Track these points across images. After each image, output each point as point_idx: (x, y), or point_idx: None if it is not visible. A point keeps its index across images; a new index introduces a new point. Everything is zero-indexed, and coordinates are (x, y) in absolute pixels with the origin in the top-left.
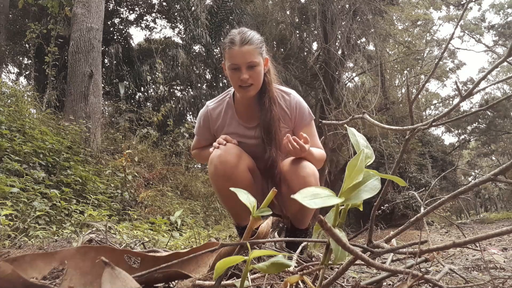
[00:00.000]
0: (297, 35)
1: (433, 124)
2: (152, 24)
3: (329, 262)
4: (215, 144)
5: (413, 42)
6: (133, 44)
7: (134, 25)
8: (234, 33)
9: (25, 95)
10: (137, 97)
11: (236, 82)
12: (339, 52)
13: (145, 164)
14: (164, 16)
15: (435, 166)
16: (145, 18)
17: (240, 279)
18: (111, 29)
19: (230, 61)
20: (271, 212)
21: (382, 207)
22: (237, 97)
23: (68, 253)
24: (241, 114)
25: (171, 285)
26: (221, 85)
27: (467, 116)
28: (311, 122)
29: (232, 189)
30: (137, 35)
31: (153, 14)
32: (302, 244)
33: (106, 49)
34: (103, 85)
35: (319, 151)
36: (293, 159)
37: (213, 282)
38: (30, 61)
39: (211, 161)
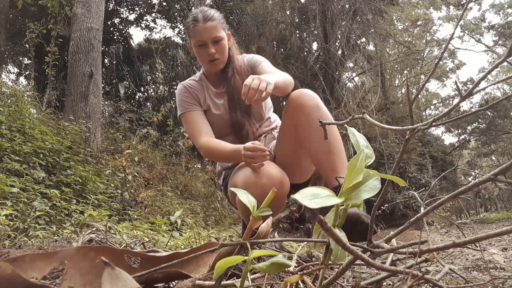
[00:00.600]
0: (297, 35)
1: (433, 124)
2: (152, 24)
3: (329, 262)
4: (254, 158)
5: (413, 42)
6: (133, 44)
7: (134, 25)
8: (195, 12)
9: (25, 95)
10: (137, 97)
11: (204, 58)
12: (339, 52)
13: (145, 164)
14: (164, 16)
15: (435, 166)
16: (145, 18)
17: (240, 279)
18: (111, 29)
19: (196, 38)
20: (271, 212)
21: (382, 207)
22: (206, 74)
23: (68, 253)
24: (214, 86)
25: (171, 285)
26: None
27: (467, 116)
28: (264, 61)
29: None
30: (137, 35)
31: (153, 14)
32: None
33: (106, 49)
34: (103, 85)
35: (281, 75)
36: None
37: (213, 282)
38: (30, 61)
39: (251, 185)
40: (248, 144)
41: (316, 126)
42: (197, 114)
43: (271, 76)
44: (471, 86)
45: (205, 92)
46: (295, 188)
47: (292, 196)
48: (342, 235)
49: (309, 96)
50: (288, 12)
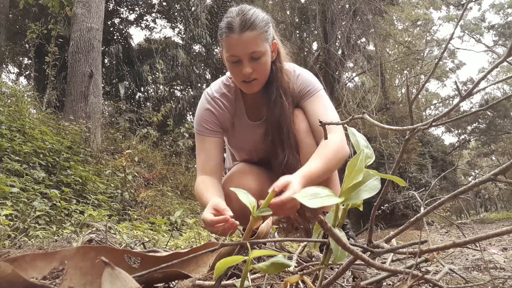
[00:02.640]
0: (297, 35)
1: (433, 124)
2: (152, 24)
3: (329, 262)
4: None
5: (413, 42)
6: (133, 44)
7: (134, 25)
8: (232, 14)
9: (25, 95)
10: (137, 97)
11: (238, 77)
12: (339, 52)
13: (145, 164)
14: (164, 16)
15: (435, 166)
16: (145, 18)
17: (240, 279)
18: (111, 29)
19: (228, 51)
20: (271, 212)
21: (382, 207)
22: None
23: (68, 253)
24: (248, 108)
25: (171, 285)
26: None
27: (467, 116)
28: (318, 93)
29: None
30: (137, 35)
31: (153, 14)
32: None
33: (106, 49)
34: (103, 85)
35: (329, 151)
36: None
37: (213, 282)
38: (30, 61)
39: (231, 199)
40: (208, 217)
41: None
42: (210, 143)
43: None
44: (471, 86)
45: (236, 111)
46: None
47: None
48: (342, 235)
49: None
50: (288, 12)
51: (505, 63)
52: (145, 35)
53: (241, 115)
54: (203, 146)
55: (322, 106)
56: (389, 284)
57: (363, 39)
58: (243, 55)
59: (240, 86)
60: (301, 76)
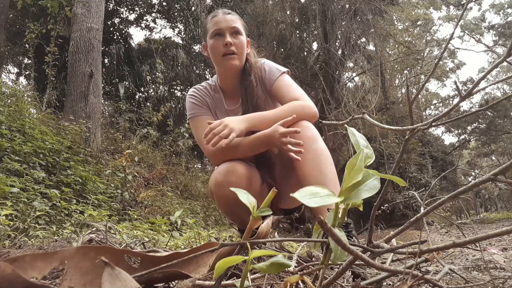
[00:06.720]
0: (297, 35)
1: (433, 124)
2: (152, 24)
3: (329, 262)
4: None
5: (413, 42)
6: (133, 44)
7: (134, 25)
8: (216, 10)
9: (25, 95)
10: (137, 97)
11: (220, 49)
12: (339, 52)
13: (145, 164)
14: (164, 16)
15: (435, 166)
16: (145, 18)
17: (240, 279)
18: (111, 29)
19: (214, 27)
20: (271, 212)
21: (382, 207)
22: (220, 82)
23: (68, 253)
24: (227, 98)
25: (171, 285)
26: None
27: (467, 116)
28: (283, 75)
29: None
30: (137, 35)
31: (153, 14)
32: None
33: (106, 49)
34: (103, 85)
35: (297, 104)
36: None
37: (213, 282)
38: (30, 61)
39: (221, 184)
40: (281, 128)
41: (312, 156)
42: (206, 120)
43: (253, 119)
44: (471, 86)
45: (215, 102)
46: (287, 213)
47: (291, 194)
48: (341, 235)
49: (306, 128)
50: (288, 12)
51: (505, 63)
52: (145, 35)
53: (220, 106)
54: (201, 125)
55: (286, 85)
56: (389, 284)
57: (363, 39)
58: (226, 29)
59: (221, 62)
60: (265, 63)
